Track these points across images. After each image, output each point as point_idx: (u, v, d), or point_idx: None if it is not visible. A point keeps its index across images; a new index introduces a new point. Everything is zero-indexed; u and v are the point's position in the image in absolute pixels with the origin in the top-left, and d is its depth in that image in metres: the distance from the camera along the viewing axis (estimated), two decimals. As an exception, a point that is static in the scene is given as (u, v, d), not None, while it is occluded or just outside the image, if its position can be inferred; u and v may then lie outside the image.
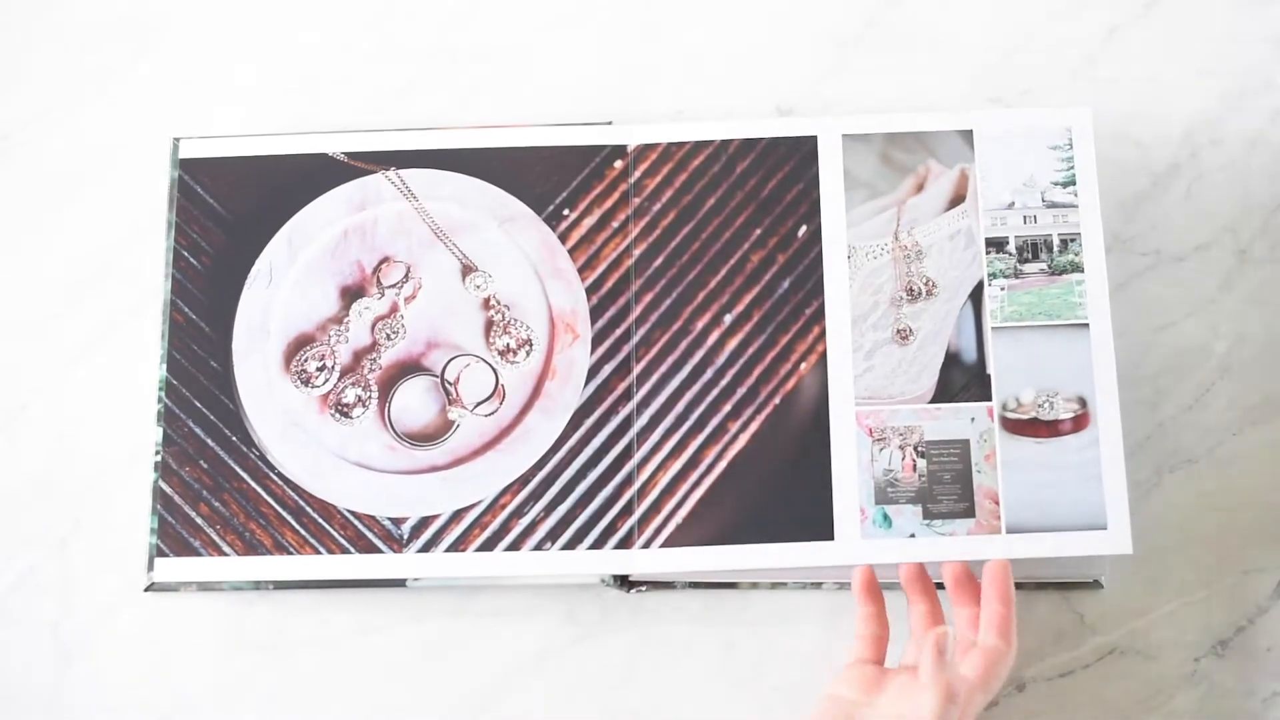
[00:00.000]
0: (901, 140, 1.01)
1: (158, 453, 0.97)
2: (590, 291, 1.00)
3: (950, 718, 0.81)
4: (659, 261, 1.00)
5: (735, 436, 0.97)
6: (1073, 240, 0.98)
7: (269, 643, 0.96)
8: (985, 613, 0.89)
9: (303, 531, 0.96)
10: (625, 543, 0.95)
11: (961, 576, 0.91)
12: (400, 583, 0.96)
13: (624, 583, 0.97)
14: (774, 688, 0.96)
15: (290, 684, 0.96)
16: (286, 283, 1.00)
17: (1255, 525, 1.00)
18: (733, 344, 0.98)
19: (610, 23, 1.10)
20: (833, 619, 0.97)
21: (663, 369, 0.98)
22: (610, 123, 1.03)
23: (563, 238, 1.00)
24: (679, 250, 1.00)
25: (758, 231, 1.00)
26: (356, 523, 0.96)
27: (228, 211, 1.01)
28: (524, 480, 0.97)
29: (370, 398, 0.98)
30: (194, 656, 0.96)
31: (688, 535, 0.95)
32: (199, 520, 0.96)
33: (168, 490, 0.96)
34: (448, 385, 0.98)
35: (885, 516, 0.95)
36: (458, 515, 0.96)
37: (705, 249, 1.00)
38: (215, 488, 0.97)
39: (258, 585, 0.96)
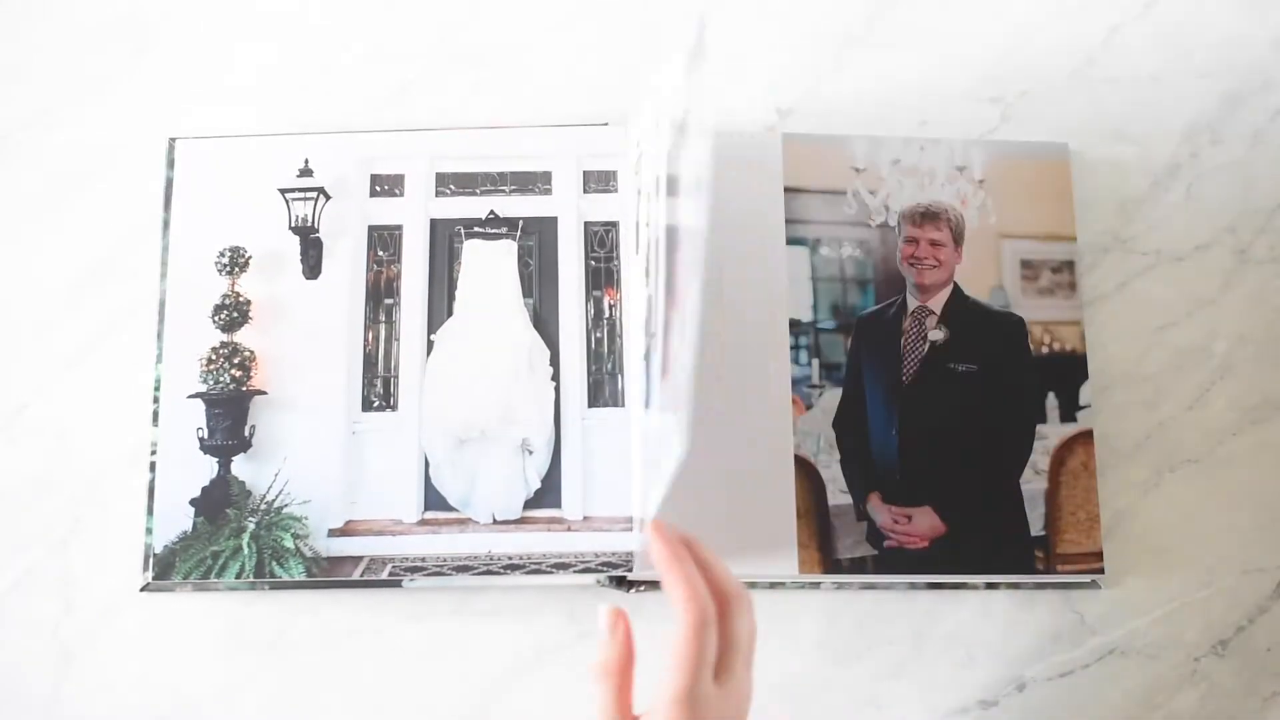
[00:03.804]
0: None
1: (153, 452, 0.97)
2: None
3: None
4: None
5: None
6: None
7: (269, 642, 0.96)
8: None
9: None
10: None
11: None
12: (396, 582, 0.96)
13: (622, 583, 0.97)
14: (774, 686, 0.96)
15: (290, 684, 0.96)
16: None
17: (1255, 525, 1.00)
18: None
19: (610, 23, 1.10)
20: (832, 618, 0.97)
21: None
22: (607, 124, 1.03)
23: None
24: None
25: None
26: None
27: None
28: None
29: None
30: (194, 656, 0.96)
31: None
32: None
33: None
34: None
35: None
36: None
37: None
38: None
39: (254, 585, 0.96)
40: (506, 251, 1.02)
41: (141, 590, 0.96)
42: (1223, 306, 1.04)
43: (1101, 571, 0.97)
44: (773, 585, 0.98)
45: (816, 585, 0.98)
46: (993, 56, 1.09)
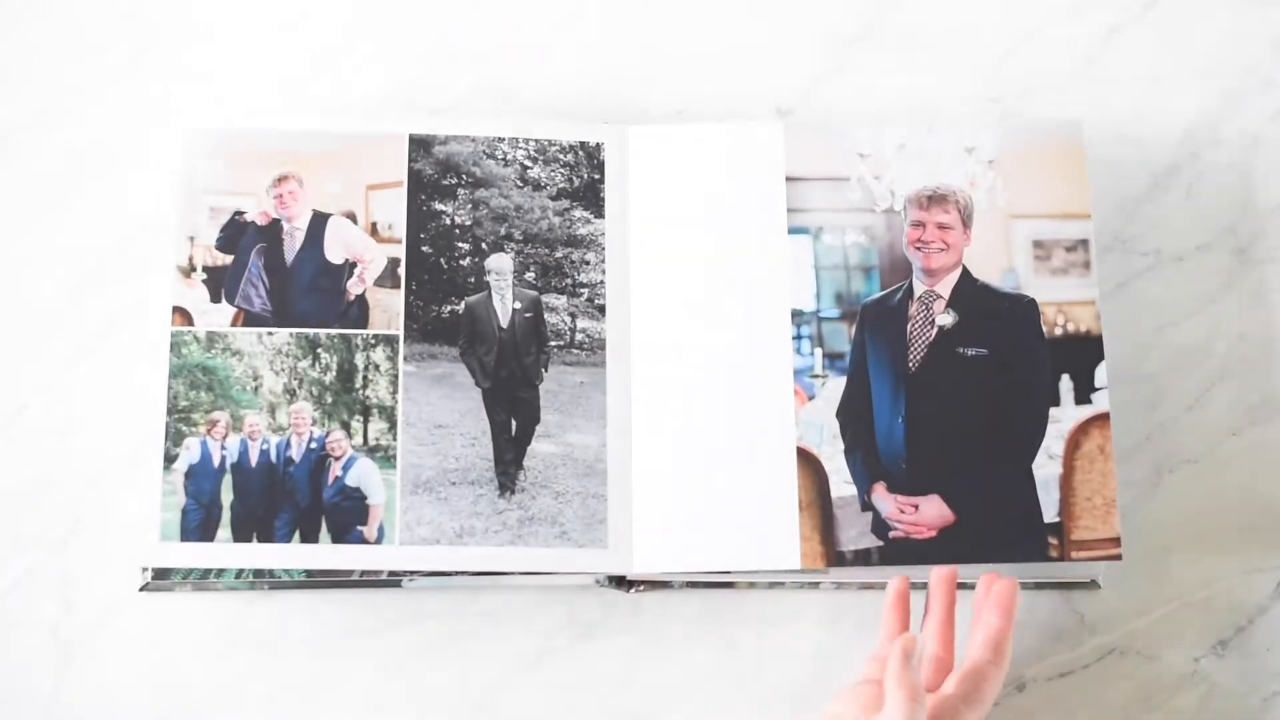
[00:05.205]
0: None
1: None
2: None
3: (917, 718, 0.81)
4: None
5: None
6: None
7: (267, 643, 0.96)
8: (981, 625, 0.89)
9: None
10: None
11: (950, 578, 0.92)
12: (396, 583, 0.96)
13: (621, 583, 0.97)
14: (774, 687, 0.96)
15: (289, 684, 0.95)
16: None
17: (1255, 525, 1.00)
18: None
19: (610, 23, 1.10)
20: (832, 618, 0.97)
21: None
22: (606, 123, 1.03)
23: None
24: None
25: None
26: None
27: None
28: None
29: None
30: (193, 656, 0.96)
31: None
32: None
33: None
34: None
35: None
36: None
37: None
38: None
39: (253, 585, 0.96)
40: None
41: (141, 590, 0.96)
42: (1223, 306, 1.04)
43: (1119, 557, 0.95)
44: (772, 585, 0.98)
45: (816, 585, 0.98)
46: (993, 56, 1.09)
